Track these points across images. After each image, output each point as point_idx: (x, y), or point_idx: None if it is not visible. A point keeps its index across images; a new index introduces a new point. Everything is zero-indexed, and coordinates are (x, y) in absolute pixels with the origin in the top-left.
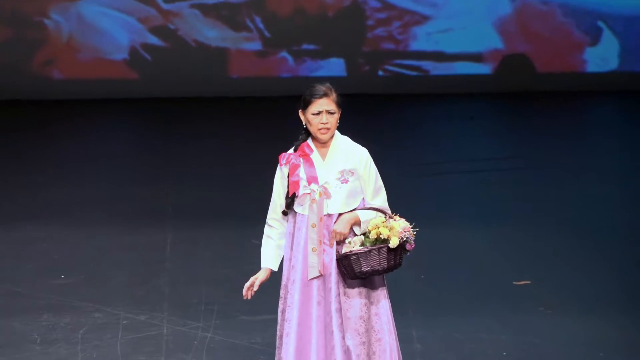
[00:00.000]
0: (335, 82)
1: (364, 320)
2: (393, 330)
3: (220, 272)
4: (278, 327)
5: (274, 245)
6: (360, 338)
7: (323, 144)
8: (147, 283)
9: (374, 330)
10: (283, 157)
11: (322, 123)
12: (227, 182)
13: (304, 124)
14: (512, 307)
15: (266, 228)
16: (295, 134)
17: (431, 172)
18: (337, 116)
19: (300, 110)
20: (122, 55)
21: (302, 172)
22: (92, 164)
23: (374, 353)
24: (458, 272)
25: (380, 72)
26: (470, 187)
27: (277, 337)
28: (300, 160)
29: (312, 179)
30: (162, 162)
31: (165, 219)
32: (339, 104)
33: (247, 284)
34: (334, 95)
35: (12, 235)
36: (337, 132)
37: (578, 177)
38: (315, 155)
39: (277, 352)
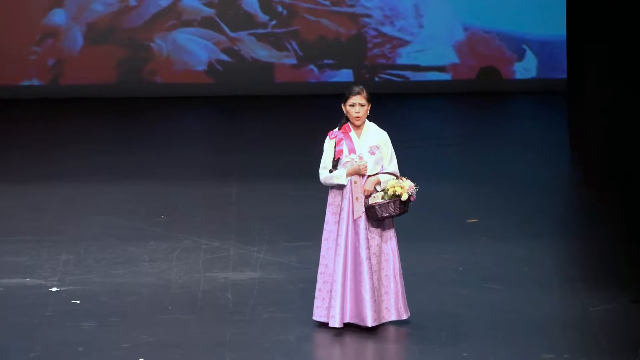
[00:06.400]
0: (345, 86)
1: (379, 246)
2: (397, 253)
3: (268, 213)
4: (322, 247)
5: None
6: (377, 257)
7: (358, 127)
8: (220, 220)
9: (384, 253)
10: (332, 134)
11: (356, 112)
12: (274, 152)
13: (345, 112)
14: (465, 237)
15: (324, 173)
16: (316, 119)
17: (410, 145)
18: (366, 108)
19: (342, 104)
20: (202, 67)
21: (344, 145)
22: (181, 139)
23: (382, 268)
24: (427, 214)
25: (377, 79)
26: (435, 155)
27: (322, 256)
28: (342, 136)
29: (351, 150)
30: (229, 139)
31: (232, 178)
32: (369, 100)
33: (362, 164)
34: (364, 93)
35: (128, 189)
36: (366, 120)
37: (508, 146)
38: (352, 134)
39: (323, 262)
